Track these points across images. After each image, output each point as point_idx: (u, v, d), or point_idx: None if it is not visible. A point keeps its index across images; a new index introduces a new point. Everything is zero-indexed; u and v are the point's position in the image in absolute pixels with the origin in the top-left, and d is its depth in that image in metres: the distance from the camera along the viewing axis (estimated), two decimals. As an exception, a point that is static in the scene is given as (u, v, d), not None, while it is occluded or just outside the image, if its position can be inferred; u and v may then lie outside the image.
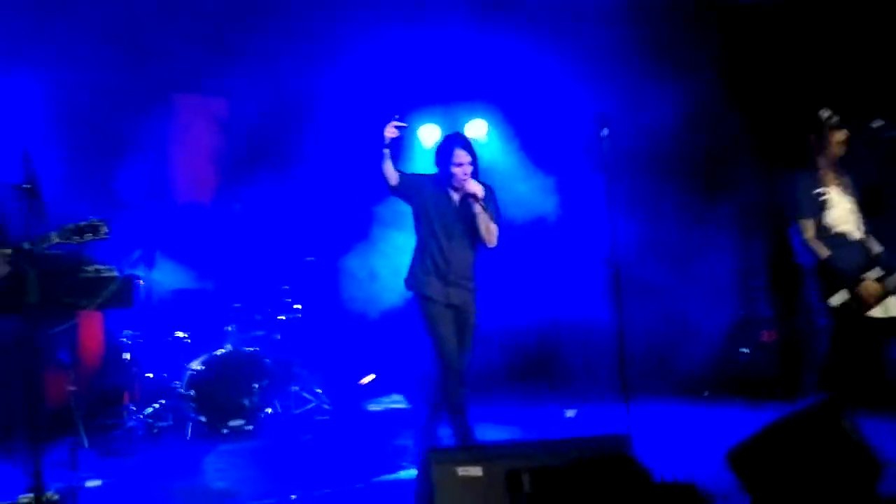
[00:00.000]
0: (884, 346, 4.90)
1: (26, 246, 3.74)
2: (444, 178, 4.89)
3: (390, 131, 4.62)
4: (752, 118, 6.86)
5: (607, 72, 6.88)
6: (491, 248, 4.92)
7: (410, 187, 4.89)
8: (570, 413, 6.36)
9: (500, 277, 7.83)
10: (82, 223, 3.99)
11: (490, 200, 4.89)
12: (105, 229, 4.02)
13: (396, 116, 4.66)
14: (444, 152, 4.89)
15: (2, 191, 4.04)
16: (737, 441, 3.68)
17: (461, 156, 4.82)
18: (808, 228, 4.83)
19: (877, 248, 4.90)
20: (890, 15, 6.16)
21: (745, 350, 6.68)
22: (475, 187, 4.77)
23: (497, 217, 4.91)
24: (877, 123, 4.67)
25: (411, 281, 4.93)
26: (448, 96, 7.90)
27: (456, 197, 4.89)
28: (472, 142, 4.98)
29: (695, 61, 6.76)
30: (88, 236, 3.97)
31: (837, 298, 4.77)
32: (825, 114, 4.86)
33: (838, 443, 3.47)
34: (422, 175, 5.04)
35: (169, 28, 6.57)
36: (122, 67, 6.70)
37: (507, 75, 7.47)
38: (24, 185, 3.60)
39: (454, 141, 4.94)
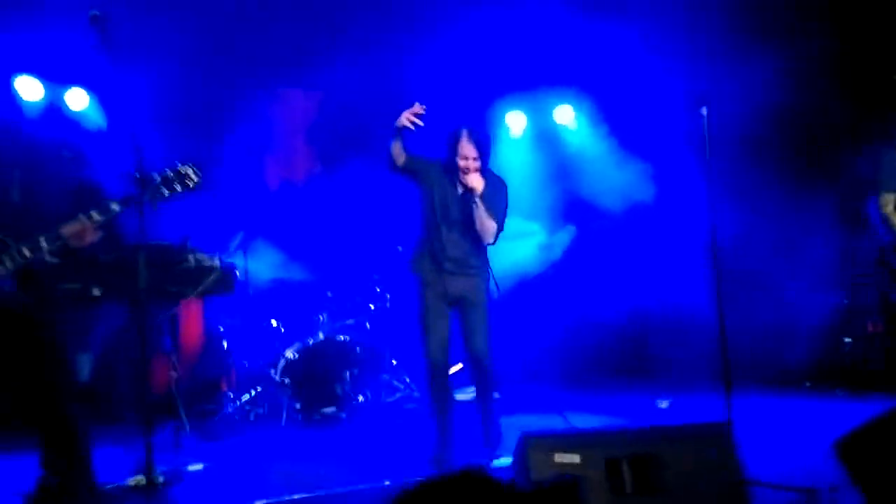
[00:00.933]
0: None
1: (114, 206, 3.62)
2: (450, 166, 4.76)
3: (408, 116, 4.56)
4: (859, 100, 6.55)
5: (704, 50, 6.64)
6: (488, 244, 4.79)
7: (416, 170, 4.80)
8: (663, 404, 6.23)
9: (599, 266, 7.74)
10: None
11: (497, 196, 4.78)
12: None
13: (419, 103, 4.59)
14: (451, 142, 4.75)
15: (113, 181, 4.09)
16: (844, 431, 3.52)
17: (466, 148, 4.69)
18: (889, 202, 4.62)
19: None
20: None
21: (849, 340, 6.41)
22: (475, 182, 4.65)
23: (499, 214, 4.78)
24: None
25: (413, 265, 4.91)
26: (535, 82, 7.81)
27: (460, 187, 4.77)
28: (485, 135, 4.83)
29: (799, 39, 6.47)
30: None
31: None
32: None
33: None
34: (431, 160, 4.86)
35: (263, 23, 6.71)
36: (219, 62, 6.91)
37: (597, 58, 7.30)
38: (135, 174, 3.62)
39: (463, 132, 4.74)
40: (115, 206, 3.64)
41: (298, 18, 6.84)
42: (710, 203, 4.29)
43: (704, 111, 4.15)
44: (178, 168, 3.71)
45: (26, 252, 3.54)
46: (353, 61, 6.95)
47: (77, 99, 7.00)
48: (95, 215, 3.63)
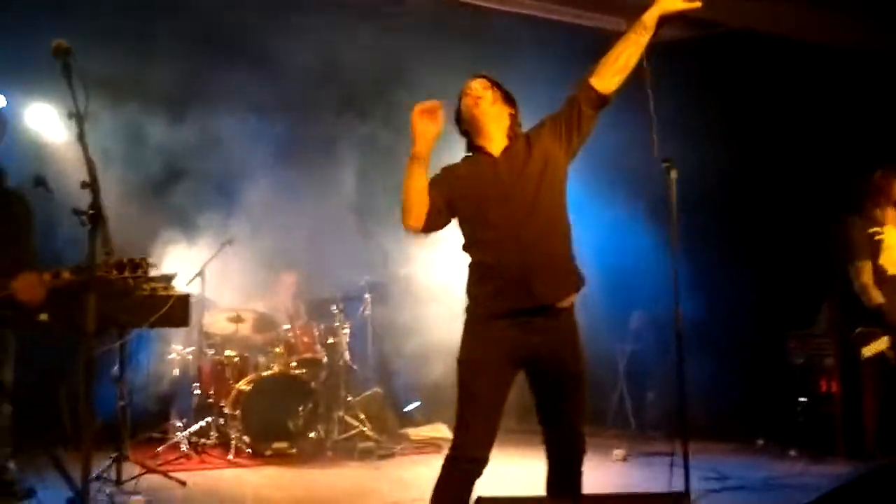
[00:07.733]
0: None
1: (66, 275, 3.54)
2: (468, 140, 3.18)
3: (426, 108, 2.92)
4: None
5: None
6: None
7: (449, 200, 3.06)
8: (618, 455, 6.18)
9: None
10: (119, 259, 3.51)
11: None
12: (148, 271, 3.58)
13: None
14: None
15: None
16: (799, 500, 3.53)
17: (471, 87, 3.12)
18: (864, 272, 4.67)
19: None
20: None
21: (803, 399, 6.40)
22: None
23: None
24: None
25: (469, 310, 3.06)
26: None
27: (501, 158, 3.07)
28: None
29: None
30: (126, 273, 3.52)
31: (871, 349, 4.60)
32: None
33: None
34: (451, 166, 3.16)
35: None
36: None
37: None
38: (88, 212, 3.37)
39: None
40: (66, 275, 3.54)
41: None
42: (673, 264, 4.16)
43: (673, 174, 4.09)
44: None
45: None
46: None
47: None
48: (46, 276, 3.56)
